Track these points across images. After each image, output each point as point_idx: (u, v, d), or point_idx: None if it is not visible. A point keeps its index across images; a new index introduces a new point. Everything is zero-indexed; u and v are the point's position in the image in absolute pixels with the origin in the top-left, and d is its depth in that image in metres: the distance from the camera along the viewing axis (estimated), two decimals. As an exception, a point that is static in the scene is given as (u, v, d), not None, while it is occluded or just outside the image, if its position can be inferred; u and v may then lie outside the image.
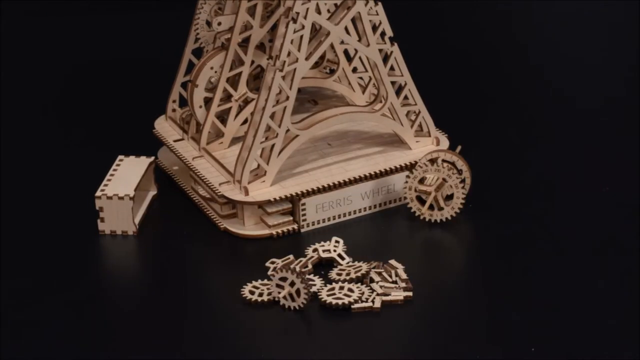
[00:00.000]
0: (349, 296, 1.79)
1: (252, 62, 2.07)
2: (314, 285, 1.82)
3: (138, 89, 2.52)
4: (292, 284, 1.77)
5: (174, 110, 2.20)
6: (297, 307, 1.77)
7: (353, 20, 2.01)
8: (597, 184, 2.10)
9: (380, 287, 1.81)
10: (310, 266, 1.87)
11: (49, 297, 1.84)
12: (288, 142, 1.99)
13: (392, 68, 2.05)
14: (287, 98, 1.96)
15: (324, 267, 1.89)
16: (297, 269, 1.80)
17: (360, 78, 2.21)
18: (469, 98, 2.46)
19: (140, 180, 2.03)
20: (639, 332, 1.71)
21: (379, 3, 2.01)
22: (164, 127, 2.20)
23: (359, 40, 2.03)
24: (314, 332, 1.76)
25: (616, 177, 2.12)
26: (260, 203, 1.97)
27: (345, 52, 2.19)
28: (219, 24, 2.07)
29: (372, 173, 2.02)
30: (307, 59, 1.97)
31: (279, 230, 1.98)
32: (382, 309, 1.78)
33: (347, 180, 2.00)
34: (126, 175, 2.04)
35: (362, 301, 1.79)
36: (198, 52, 2.14)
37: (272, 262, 1.88)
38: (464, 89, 2.50)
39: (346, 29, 2.04)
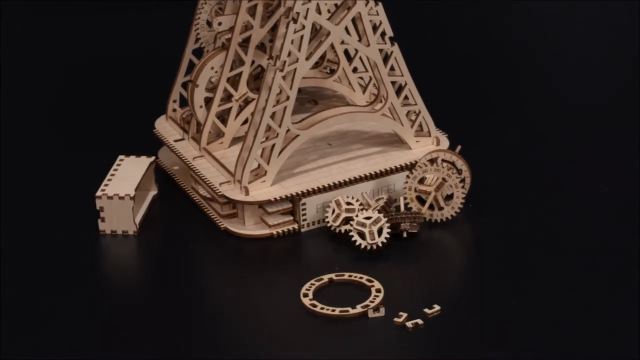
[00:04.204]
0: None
1: (253, 62, 2.07)
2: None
3: (138, 88, 2.52)
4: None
5: (174, 110, 2.20)
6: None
7: (353, 20, 2.02)
8: (596, 184, 2.10)
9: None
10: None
11: (49, 297, 1.84)
12: (288, 142, 1.99)
13: (392, 68, 2.05)
14: (288, 98, 1.96)
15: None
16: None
17: (361, 78, 2.21)
18: (469, 98, 2.46)
19: (140, 180, 2.03)
20: (639, 332, 1.72)
21: (379, 3, 2.01)
22: (164, 127, 2.20)
23: (359, 40, 2.03)
24: (314, 331, 1.77)
25: (616, 178, 2.12)
26: (260, 203, 1.97)
27: (346, 52, 2.19)
28: (220, 24, 2.07)
29: (372, 173, 2.03)
30: (307, 59, 1.97)
31: (280, 230, 1.98)
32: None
33: (347, 180, 2.01)
34: (127, 175, 2.04)
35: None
36: (198, 52, 2.14)
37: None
38: (464, 89, 2.50)
39: (346, 29, 2.04)
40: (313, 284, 1.83)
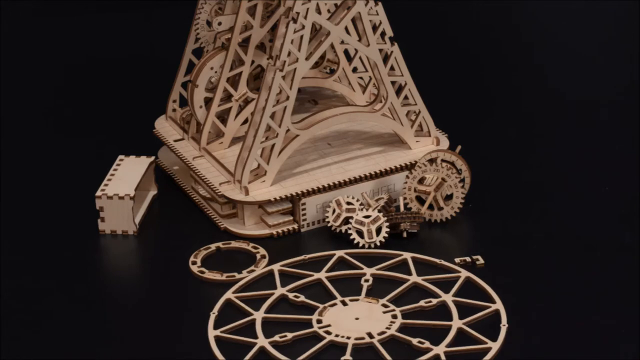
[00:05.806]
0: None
1: (252, 62, 2.07)
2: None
3: (138, 88, 2.52)
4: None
5: (174, 110, 2.20)
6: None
7: (353, 20, 2.02)
8: (597, 184, 2.10)
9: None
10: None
11: (49, 296, 1.84)
12: (288, 142, 1.99)
13: (392, 68, 2.06)
14: (287, 98, 1.96)
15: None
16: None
17: (361, 78, 2.21)
18: (469, 98, 2.46)
19: (140, 180, 2.03)
20: (639, 332, 1.72)
21: (379, 3, 2.01)
22: (164, 127, 2.20)
23: (359, 40, 2.04)
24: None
25: (616, 178, 2.12)
26: (260, 203, 1.97)
27: (346, 52, 2.19)
28: (219, 23, 2.07)
29: (372, 173, 2.03)
30: (307, 59, 1.97)
31: (279, 230, 1.98)
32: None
33: (347, 180, 2.01)
34: (126, 175, 2.04)
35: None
36: (198, 52, 2.14)
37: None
38: (464, 88, 2.50)
39: (346, 29, 2.04)
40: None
